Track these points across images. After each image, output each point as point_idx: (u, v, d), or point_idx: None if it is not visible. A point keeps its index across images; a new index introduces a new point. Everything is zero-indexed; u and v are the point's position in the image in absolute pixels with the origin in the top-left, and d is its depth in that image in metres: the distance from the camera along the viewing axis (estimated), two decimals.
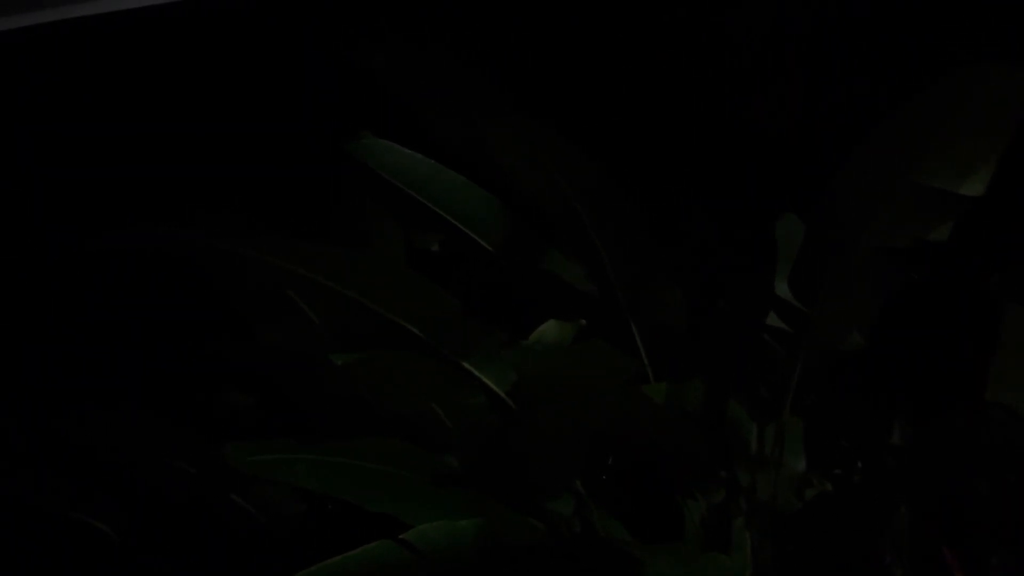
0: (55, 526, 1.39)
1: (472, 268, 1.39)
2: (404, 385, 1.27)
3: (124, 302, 1.55)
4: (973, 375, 1.34)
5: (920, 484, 1.32)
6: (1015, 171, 1.25)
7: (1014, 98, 1.17)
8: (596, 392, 1.22)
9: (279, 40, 1.56)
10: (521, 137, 1.34)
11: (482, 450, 1.30)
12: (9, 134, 1.57)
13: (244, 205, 1.46)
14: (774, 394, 1.33)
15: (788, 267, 1.31)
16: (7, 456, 1.42)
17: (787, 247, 1.31)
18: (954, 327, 1.47)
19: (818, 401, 1.35)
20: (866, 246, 1.24)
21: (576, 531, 1.30)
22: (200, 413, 1.40)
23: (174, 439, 1.36)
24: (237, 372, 1.41)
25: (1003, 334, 1.35)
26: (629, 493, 1.36)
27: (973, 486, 1.30)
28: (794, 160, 1.50)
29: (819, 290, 1.27)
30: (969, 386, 1.34)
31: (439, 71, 1.37)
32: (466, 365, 1.28)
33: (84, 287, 1.55)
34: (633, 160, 1.52)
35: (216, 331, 1.35)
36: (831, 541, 1.32)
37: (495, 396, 1.29)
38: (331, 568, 1.15)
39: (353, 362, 1.20)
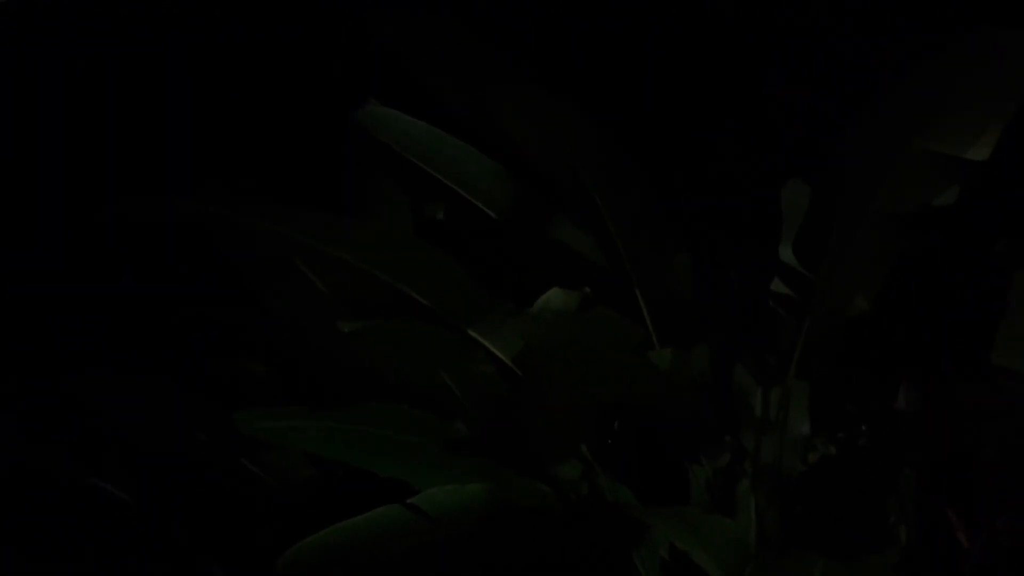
0: (69, 492, 1.42)
1: (478, 236, 1.40)
2: (411, 353, 1.28)
3: (134, 271, 1.56)
4: (979, 339, 1.35)
5: (925, 447, 1.33)
6: (1022, 135, 1.25)
7: (1019, 63, 1.17)
8: (602, 359, 1.23)
9: (288, 9, 1.55)
10: (527, 104, 1.33)
11: (490, 416, 1.31)
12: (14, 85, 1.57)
13: (252, 175, 1.46)
14: (779, 360, 1.34)
15: (794, 233, 1.31)
16: (21, 423, 1.44)
17: (793, 213, 1.31)
18: (960, 292, 1.47)
19: (824, 366, 1.36)
20: (872, 212, 1.24)
21: (583, 495, 1.32)
22: (212, 381, 1.42)
23: (185, 406, 1.38)
24: (248, 341, 1.42)
25: (1010, 299, 1.35)
26: (635, 458, 1.37)
27: (978, 449, 1.31)
28: (801, 124, 1.49)
29: (824, 256, 1.27)
30: (975, 350, 1.35)
31: (446, 39, 1.37)
32: (472, 333, 1.29)
33: (93, 256, 1.56)
34: (639, 126, 1.51)
35: (225, 301, 1.36)
36: (835, 504, 1.34)
37: (502, 364, 1.30)
38: (341, 532, 1.17)
39: (360, 330, 1.21)
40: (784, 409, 1.34)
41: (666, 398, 1.31)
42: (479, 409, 1.31)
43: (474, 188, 1.38)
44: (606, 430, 1.38)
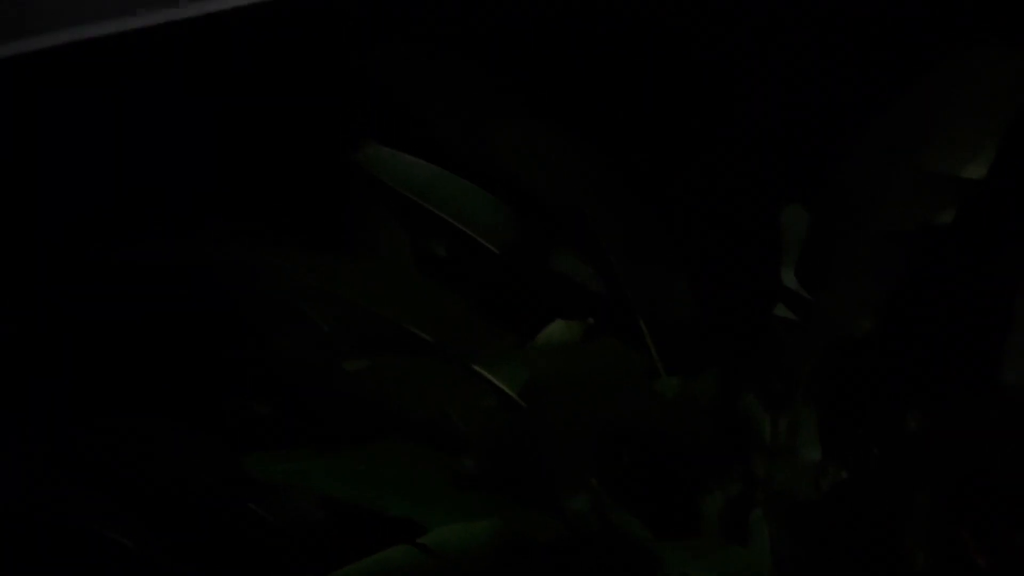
0: (71, 535, 1.41)
1: (479, 270, 1.40)
2: (416, 389, 1.28)
3: (135, 311, 1.56)
4: (987, 357, 1.34)
5: (938, 469, 1.32)
6: (1019, 152, 1.25)
7: (1013, 81, 1.18)
8: (607, 389, 1.23)
9: (284, 48, 1.57)
10: (524, 137, 1.35)
11: (496, 451, 1.31)
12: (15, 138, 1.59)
13: (254, 215, 1.47)
14: (786, 384, 1.33)
15: (794, 257, 1.31)
16: (23, 467, 1.44)
17: (793, 237, 1.31)
18: (965, 310, 1.47)
19: (831, 389, 1.35)
20: (871, 232, 1.24)
21: (593, 528, 1.30)
22: (216, 422, 1.42)
23: (190, 448, 1.38)
24: (252, 381, 1.42)
25: (1016, 316, 1.34)
26: (645, 489, 1.36)
27: (992, 468, 1.30)
28: (797, 150, 1.50)
29: (826, 278, 1.27)
30: (983, 368, 1.34)
31: (442, 73, 1.39)
32: (476, 367, 1.29)
33: (94, 295, 1.57)
34: (637, 153, 1.52)
35: (228, 340, 1.37)
36: (850, 529, 1.32)
37: (507, 397, 1.30)
38: (350, 574, 1.16)
39: (364, 368, 1.21)
40: (793, 435, 1.34)
41: (673, 427, 1.30)
42: (486, 444, 1.31)
43: (474, 223, 1.39)
44: (615, 461, 1.37)
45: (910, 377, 1.41)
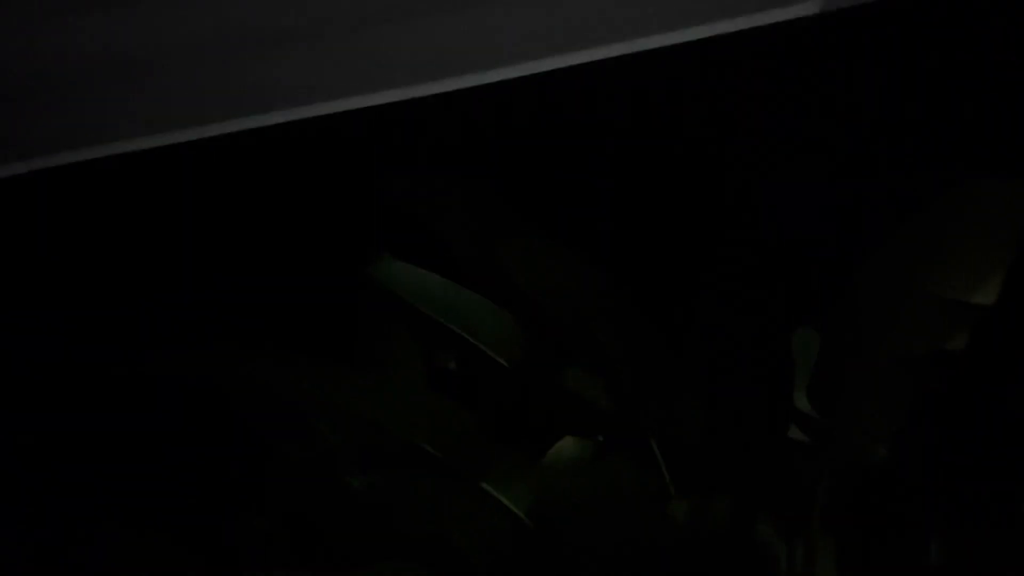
0: None
1: (490, 385, 1.40)
2: (422, 507, 1.25)
3: (135, 422, 1.56)
4: (1010, 486, 1.30)
5: None
6: None
7: (1017, 210, 1.18)
8: (617, 510, 1.20)
9: (297, 167, 1.62)
10: (535, 257, 1.36)
11: (502, 574, 1.27)
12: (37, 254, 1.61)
13: (264, 329, 1.48)
14: (801, 510, 1.29)
15: (806, 379, 1.29)
16: None
17: (804, 359, 1.30)
18: (985, 436, 1.44)
19: (849, 516, 1.31)
20: (883, 356, 1.23)
21: None
22: (216, 538, 1.39)
23: (188, 566, 1.35)
24: (255, 495, 1.40)
25: None
26: None
27: None
28: (810, 273, 1.50)
29: (838, 401, 1.25)
30: (1006, 498, 1.30)
31: (454, 194, 1.41)
32: (485, 486, 1.27)
33: (95, 406, 1.57)
34: (647, 274, 1.53)
35: (233, 454, 1.35)
36: None
37: (514, 517, 1.27)
38: None
39: (370, 484, 1.20)
40: (811, 564, 1.29)
41: (685, 550, 1.26)
42: (491, 566, 1.27)
43: (486, 338, 1.39)
44: None
45: (932, 505, 1.37)
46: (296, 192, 1.62)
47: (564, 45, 1.48)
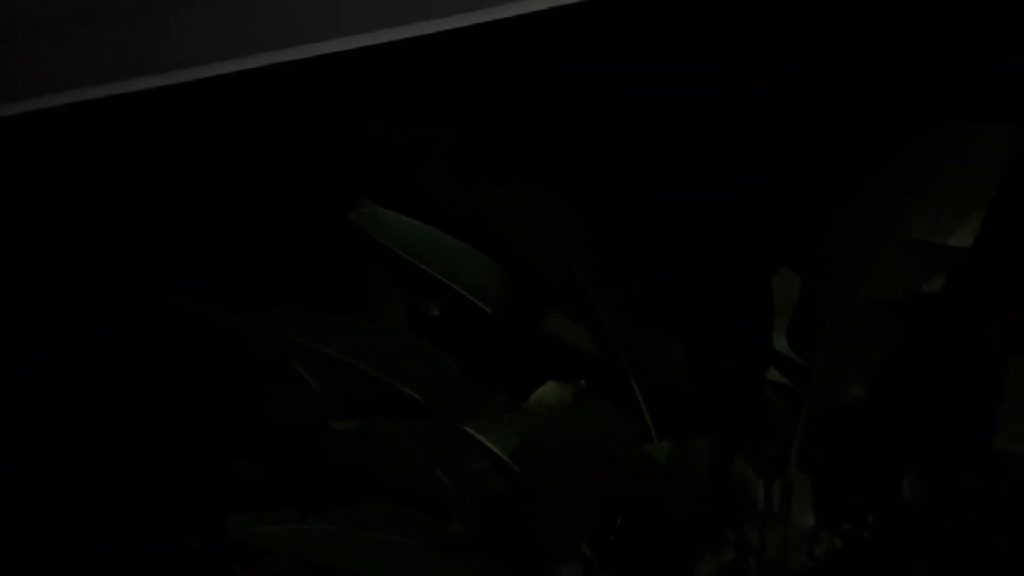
0: None
1: (473, 331, 1.40)
2: (406, 451, 1.27)
3: (119, 371, 1.56)
4: (980, 424, 1.33)
5: (933, 537, 1.30)
6: (1006, 221, 1.26)
7: (995, 154, 1.19)
8: (600, 453, 1.22)
9: (280, 115, 1.60)
10: (518, 203, 1.36)
11: (487, 515, 1.29)
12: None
13: (249, 276, 1.47)
14: (779, 450, 1.32)
15: (786, 322, 1.31)
16: (6, 534, 1.41)
17: (784, 301, 1.32)
18: (958, 377, 1.47)
19: (825, 455, 1.34)
20: (862, 299, 1.25)
21: None
22: (203, 483, 1.40)
23: (175, 511, 1.36)
24: (241, 441, 1.41)
25: (1008, 384, 1.34)
26: (638, 554, 1.34)
27: (986, 537, 1.28)
28: (791, 215, 1.51)
29: (817, 344, 1.27)
30: (976, 435, 1.33)
31: (435, 140, 1.40)
32: (468, 429, 1.28)
33: (79, 354, 1.56)
34: (629, 219, 1.53)
35: (216, 400, 1.36)
36: None
37: (498, 460, 1.29)
38: None
39: (354, 429, 1.21)
40: (787, 502, 1.32)
41: (666, 492, 1.29)
42: (476, 508, 1.29)
43: (468, 284, 1.39)
44: (608, 527, 1.35)
45: (905, 443, 1.40)
46: (277, 138, 1.60)
47: None
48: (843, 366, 1.28)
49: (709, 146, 1.54)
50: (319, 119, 1.57)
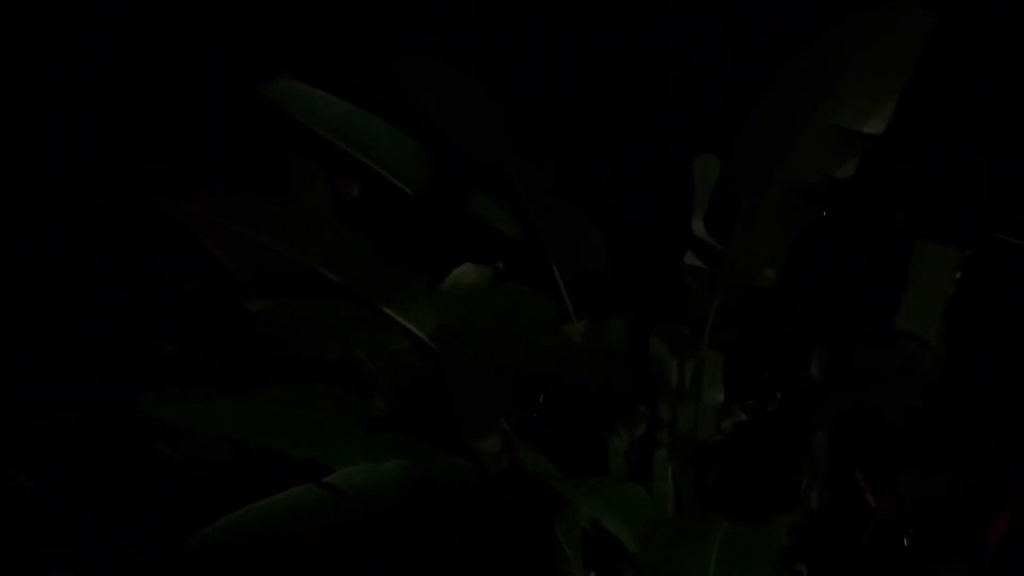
0: None
1: (395, 213, 1.39)
2: (324, 332, 1.27)
3: (26, 253, 1.51)
4: (884, 306, 1.39)
5: (834, 411, 1.37)
6: (917, 108, 1.28)
7: (910, 37, 1.20)
8: (517, 332, 1.24)
9: None
10: (441, 80, 1.32)
11: (407, 393, 1.31)
12: None
13: (155, 145, 1.42)
14: (693, 330, 1.36)
15: (704, 206, 1.33)
16: None
17: (704, 187, 1.33)
18: (866, 260, 1.52)
19: (737, 336, 1.38)
20: (777, 184, 1.27)
21: (502, 468, 1.33)
22: (124, 363, 1.39)
23: (95, 389, 1.35)
24: (159, 322, 1.39)
25: (912, 267, 1.39)
26: (554, 430, 1.39)
27: (883, 411, 1.36)
28: (715, 100, 1.51)
29: (733, 228, 1.30)
30: (881, 316, 1.39)
31: (360, 13, 1.35)
32: (387, 310, 1.28)
33: None
34: (552, 101, 1.51)
35: (129, 278, 1.33)
36: (749, 469, 1.37)
37: (418, 340, 1.30)
38: (255, 512, 1.16)
39: (269, 309, 1.20)
40: (698, 379, 1.37)
41: (581, 370, 1.32)
42: (396, 386, 1.31)
43: (390, 165, 1.37)
44: (526, 404, 1.38)
45: (813, 325, 1.45)
46: (198, 9, 1.51)
47: None
48: (756, 249, 1.31)
49: (637, 29, 1.52)
50: None
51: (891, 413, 1.35)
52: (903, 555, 1.37)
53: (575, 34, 1.54)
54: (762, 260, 1.32)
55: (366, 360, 1.30)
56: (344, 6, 1.34)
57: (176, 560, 1.14)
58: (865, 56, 1.21)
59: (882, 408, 1.35)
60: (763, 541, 1.16)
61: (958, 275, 1.42)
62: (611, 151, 1.49)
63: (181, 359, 1.39)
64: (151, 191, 1.20)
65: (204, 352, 1.38)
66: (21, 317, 1.48)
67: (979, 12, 1.44)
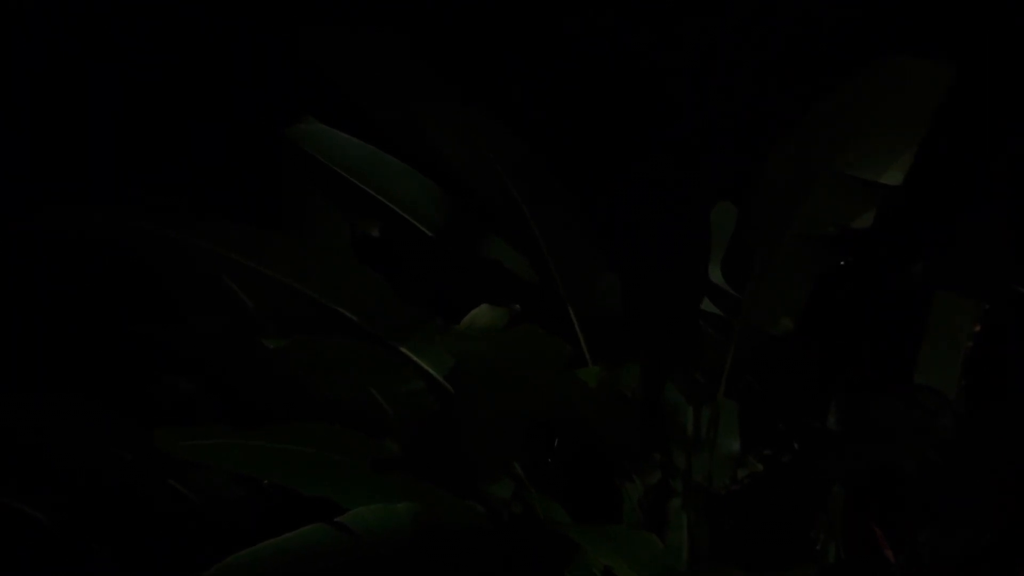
0: None
1: (413, 254, 1.40)
2: (340, 370, 1.27)
3: (50, 287, 1.53)
4: (902, 358, 1.38)
5: (852, 464, 1.35)
6: (934, 161, 1.29)
7: (928, 90, 1.21)
8: (531, 376, 1.24)
9: (221, 26, 1.55)
10: (459, 124, 1.34)
11: (420, 434, 1.31)
12: None
13: (180, 187, 1.44)
14: (709, 377, 1.36)
15: (722, 254, 1.33)
16: None
17: (721, 234, 1.34)
18: (884, 313, 1.51)
19: (753, 384, 1.38)
20: (793, 233, 1.27)
21: (515, 514, 1.31)
22: (139, 400, 1.40)
23: (109, 425, 1.35)
24: (175, 358, 1.40)
25: (930, 320, 1.39)
26: (569, 476, 1.38)
27: (901, 466, 1.34)
28: (732, 148, 1.52)
29: (749, 275, 1.30)
30: (899, 369, 1.38)
31: (378, 57, 1.38)
32: (403, 350, 1.29)
33: (11, 271, 1.53)
34: (571, 147, 1.53)
35: (148, 317, 1.34)
36: (765, 520, 1.35)
37: (433, 381, 1.30)
38: (266, 550, 1.16)
39: (286, 347, 1.20)
40: (714, 427, 1.36)
41: (596, 415, 1.31)
42: (410, 427, 1.31)
43: (409, 206, 1.38)
44: (540, 448, 1.38)
45: (830, 375, 1.44)
46: (219, 47, 1.55)
47: None
48: (773, 298, 1.31)
49: (655, 77, 1.54)
50: (267, 32, 1.52)
51: (909, 466, 1.34)
52: None
53: (595, 80, 1.56)
54: (779, 309, 1.32)
55: (381, 400, 1.31)
56: (362, 49, 1.37)
57: None
58: (884, 107, 1.21)
59: (900, 461, 1.34)
60: None
61: (977, 328, 1.41)
62: (629, 196, 1.50)
63: (197, 397, 1.40)
64: (173, 228, 1.22)
65: (220, 390, 1.39)
66: (37, 350, 1.49)
67: (997, 65, 1.45)
